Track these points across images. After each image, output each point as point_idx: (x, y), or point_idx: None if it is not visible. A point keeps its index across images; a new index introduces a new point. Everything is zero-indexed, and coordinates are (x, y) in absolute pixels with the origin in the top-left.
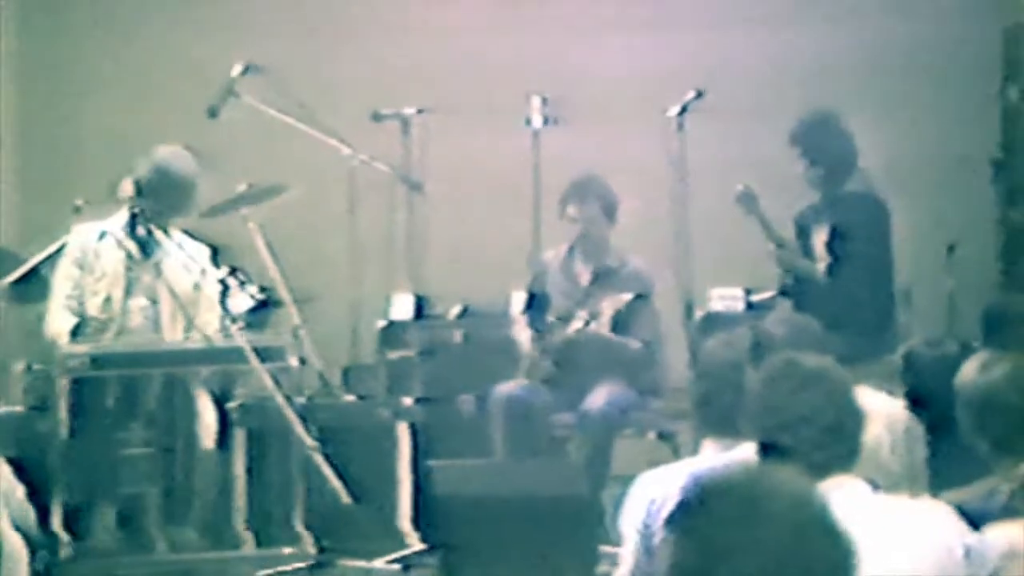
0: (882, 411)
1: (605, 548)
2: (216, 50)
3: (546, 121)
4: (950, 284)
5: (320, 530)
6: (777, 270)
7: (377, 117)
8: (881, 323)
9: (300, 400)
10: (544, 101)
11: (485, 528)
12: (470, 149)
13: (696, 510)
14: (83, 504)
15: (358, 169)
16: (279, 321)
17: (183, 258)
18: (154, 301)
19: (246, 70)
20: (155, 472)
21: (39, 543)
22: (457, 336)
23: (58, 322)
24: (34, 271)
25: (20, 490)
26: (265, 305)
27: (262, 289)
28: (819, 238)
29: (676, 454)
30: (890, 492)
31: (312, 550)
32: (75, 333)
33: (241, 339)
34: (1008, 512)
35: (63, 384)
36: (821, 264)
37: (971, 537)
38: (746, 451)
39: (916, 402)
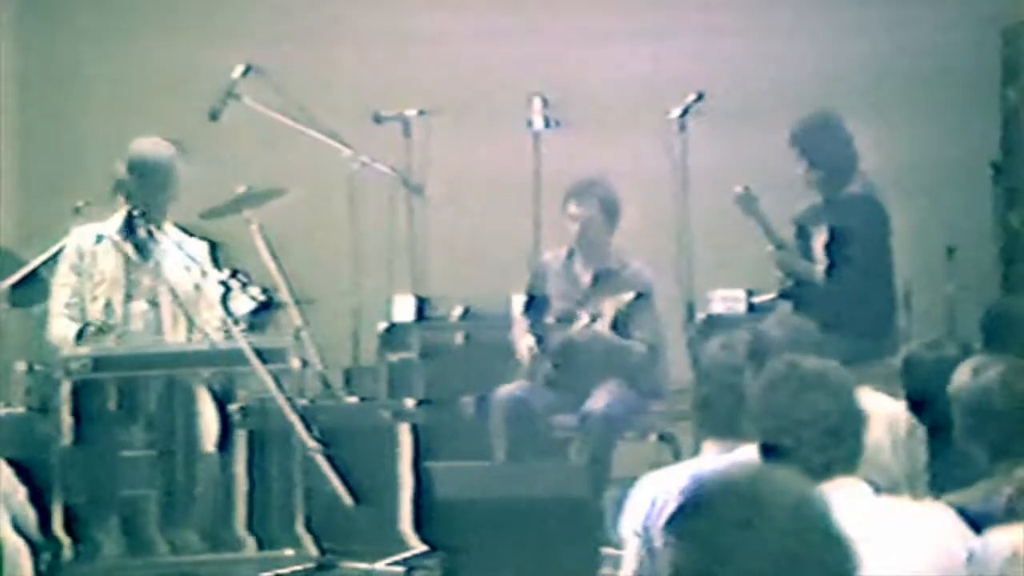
0: (884, 413)
1: (606, 550)
2: (217, 52)
3: (547, 123)
4: (950, 286)
5: (321, 532)
6: (777, 272)
7: (378, 119)
8: (881, 325)
9: (301, 402)
10: (545, 103)
11: (486, 530)
12: (471, 151)
13: (697, 512)
14: (84, 506)
15: (359, 171)
16: (280, 323)
17: (182, 258)
18: (154, 304)
19: (247, 72)
20: (156, 474)
21: (40, 545)
22: (458, 338)
23: (60, 329)
24: (34, 273)
25: (21, 492)
26: (266, 307)
27: (263, 291)
28: (819, 240)
29: (677, 456)
30: (892, 494)
31: (313, 552)
32: (78, 338)
33: (242, 341)
34: (1010, 515)
35: (64, 386)
36: (820, 266)
37: (974, 541)
38: (747, 453)
39: (916, 405)
